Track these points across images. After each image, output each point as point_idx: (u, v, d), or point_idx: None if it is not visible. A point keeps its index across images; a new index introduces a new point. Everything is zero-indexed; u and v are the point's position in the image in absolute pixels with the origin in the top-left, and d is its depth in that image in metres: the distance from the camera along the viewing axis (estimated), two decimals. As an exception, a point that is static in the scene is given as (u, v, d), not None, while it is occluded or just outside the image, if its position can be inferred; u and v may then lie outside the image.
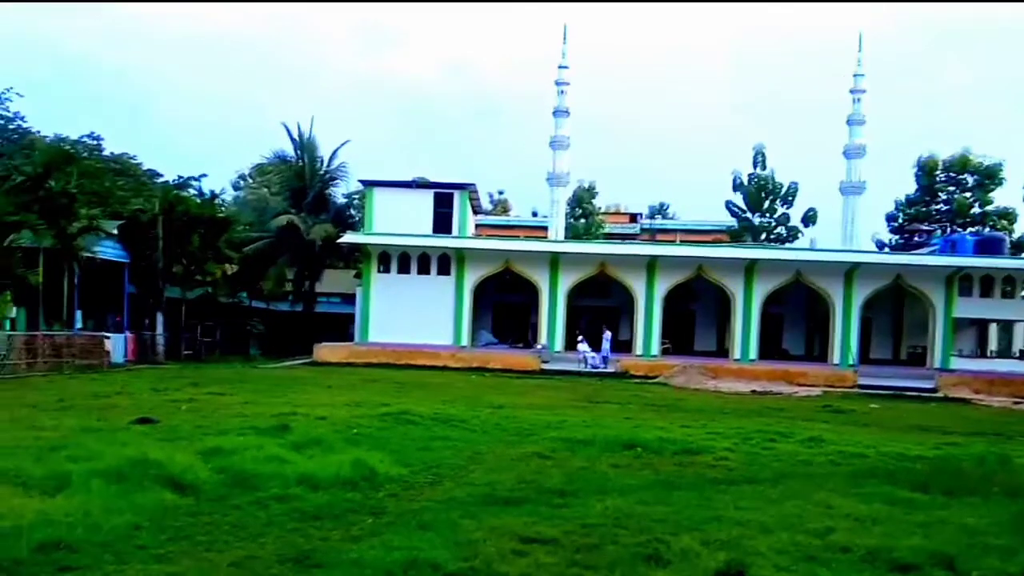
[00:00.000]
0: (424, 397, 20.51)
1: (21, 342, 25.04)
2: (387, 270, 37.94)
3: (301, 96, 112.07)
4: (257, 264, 44.13)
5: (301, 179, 47.33)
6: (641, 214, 68.66)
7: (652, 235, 59.78)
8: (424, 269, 37.86)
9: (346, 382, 24.80)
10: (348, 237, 38.63)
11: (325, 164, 47.81)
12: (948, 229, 51.09)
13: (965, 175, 53.07)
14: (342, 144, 47.84)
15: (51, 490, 8.44)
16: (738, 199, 54.43)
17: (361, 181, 41.67)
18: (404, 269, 37.85)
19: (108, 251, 33.59)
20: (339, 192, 49.61)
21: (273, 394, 19.93)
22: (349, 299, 44.38)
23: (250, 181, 61.16)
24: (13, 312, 28.34)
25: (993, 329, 40.68)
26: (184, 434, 12.53)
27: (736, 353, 37.15)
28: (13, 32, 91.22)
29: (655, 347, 37.49)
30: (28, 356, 24.99)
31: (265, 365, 33.94)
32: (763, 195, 53.54)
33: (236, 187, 65.17)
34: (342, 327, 46.07)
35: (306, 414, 15.52)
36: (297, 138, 47.66)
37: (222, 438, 11.80)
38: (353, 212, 50.65)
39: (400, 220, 38.18)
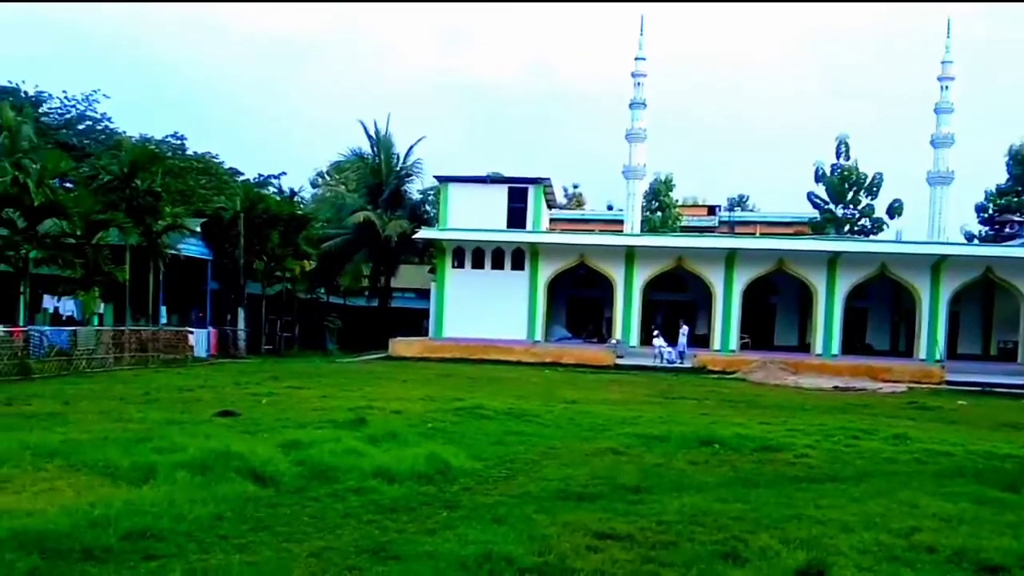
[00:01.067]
0: (497, 392, 20.51)
1: (108, 337, 25.93)
2: (461, 265, 38.21)
3: (378, 95, 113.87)
4: (334, 260, 44.90)
5: (377, 176, 47.99)
6: (720, 206, 67.68)
7: (731, 227, 58.82)
8: (498, 264, 38.02)
9: (420, 377, 24.94)
10: (423, 233, 39.06)
11: (401, 161, 48.39)
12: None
13: (1060, 164, 50.85)
14: (417, 141, 48.46)
15: (138, 481, 8.70)
16: (820, 190, 53.14)
17: (436, 177, 42.04)
18: (478, 264, 38.07)
19: (191, 248, 34.56)
20: (414, 188, 50.26)
21: (350, 388, 20.13)
22: (424, 294, 44.77)
23: (328, 179, 62.27)
24: (101, 308, 29.35)
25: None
26: (264, 427, 12.75)
27: (818, 348, 36.35)
28: (93, 32, 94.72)
29: (733, 342, 36.93)
30: (115, 350, 25.85)
31: (342, 360, 34.42)
32: (847, 186, 52.12)
33: (314, 185, 66.49)
34: (417, 322, 46.52)
35: (382, 408, 15.66)
36: (373, 135, 48.41)
37: (301, 431, 11.98)
38: (428, 208, 51.10)
39: (474, 215, 38.40)
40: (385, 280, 48.12)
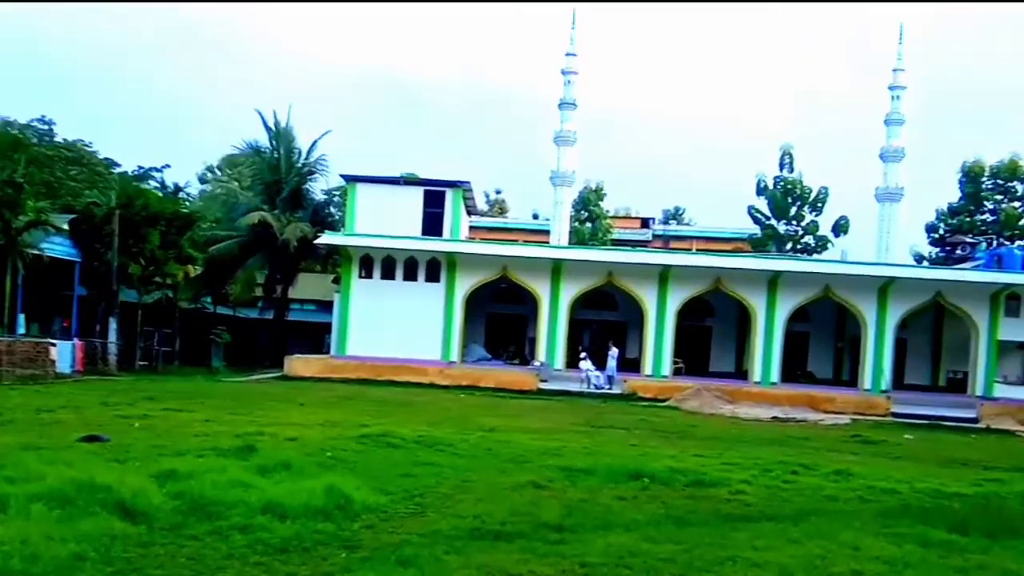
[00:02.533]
0: (407, 417, 20.46)
1: (-44, 348, 24.95)
2: (369, 275, 37.88)
3: (284, 88, 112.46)
4: (224, 266, 44.09)
5: (275, 172, 47.33)
6: (654, 219, 68.88)
7: (665, 242, 59.83)
8: (411, 275, 37.82)
9: (320, 399, 24.73)
10: (326, 238, 38.59)
11: (303, 156, 47.84)
12: (994, 242, 51.07)
13: (1015, 182, 53.17)
14: (322, 135, 47.94)
15: (-15, 515, 8.38)
16: (762, 204, 54.35)
17: (343, 176, 41.66)
18: (388, 275, 37.79)
19: (57, 248, 33.54)
20: (318, 188, 49.78)
21: (238, 411, 19.89)
22: (326, 307, 44.33)
23: (219, 174, 61.29)
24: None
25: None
26: (137, 454, 12.49)
27: (756, 375, 37.14)
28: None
29: (666, 367, 37.47)
30: (-38, 364, 24.89)
31: (230, 379, 33.84)
32: (790, 200, 53.46)
33: (203, 180, 65.37)
34: (317, 338, 46.00)
35: (274, 434, 15.50)
36: (272, 127, 47.71)
37: (179, 459, 11.77)
38: (333, 210, 50.72)
39: (385, 220, 38.13)
40: (282, 290, 47.46)
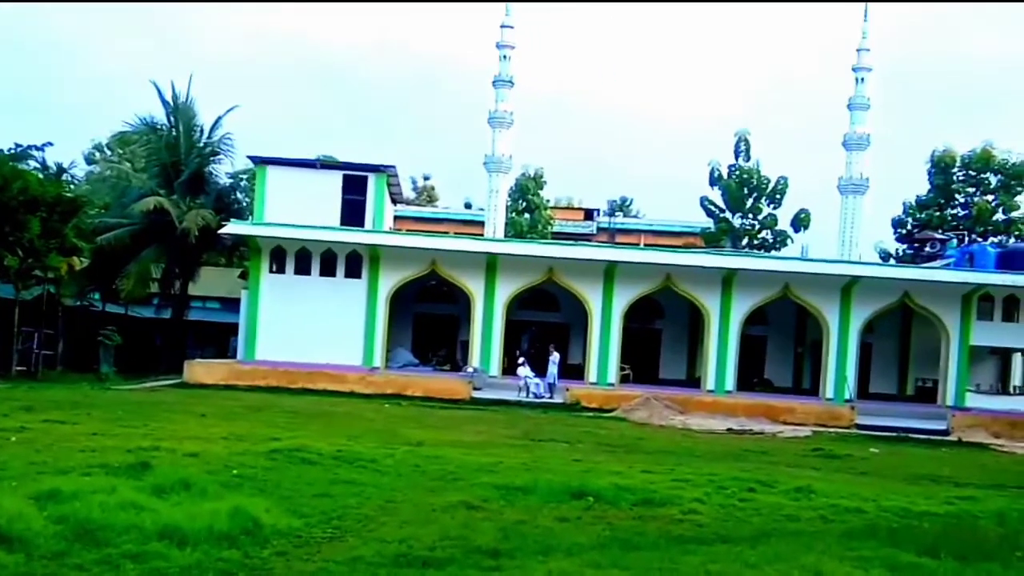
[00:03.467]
0: (324, 430, 20.38)
1: None
2: (281, 270, 37.51)
3: (181, 53, 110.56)
4: (114, 258, 43.27)
5: (174, 152, 46.57)
6: (598, 210, 69.45)
7: (611, 236, 60.39)
8: (328, 270, 37.53)
9: (225, 409, 24.46)
10: (232, 227, 38.09)
11: (205, 134, 47.16)
12: (966, 238, 52.26)
13: (987, 174, 54.44)
14: (228, 110, 47.19)
15: None
16: (716, 196, 55.09)
17: (251, 157, 41.18)
18: (303, 269, 37.46)
19: (-81, 236, 32.63)
20: (222, 171, 49.00)
21: (130, 423, 19.59)
22: (231, 305, 43.85)
23: (109, 153, 60.09)
24: None
25: (1017, 360, 41.66)
26: (13, 473, 12.26)
27: (709, 383, 37.62)
28: None
29: (612, 374, 37.75)
30: None
31: (121, 386, 33.25)
32: (746, 191, 54.21)
33: (90, 161, 63.98)
34: (222, 340, 45.49)
35: (172, 449, 15.30)
36: (170, 101, 46.89)
37: (62, 478, 11.55)
38: (240, 196, 50.08)
39: (299, 208, 37.76)
40: (181, 285, 46.87)
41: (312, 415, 24.42)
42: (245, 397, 29.61)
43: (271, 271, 37.55)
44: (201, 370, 35.28)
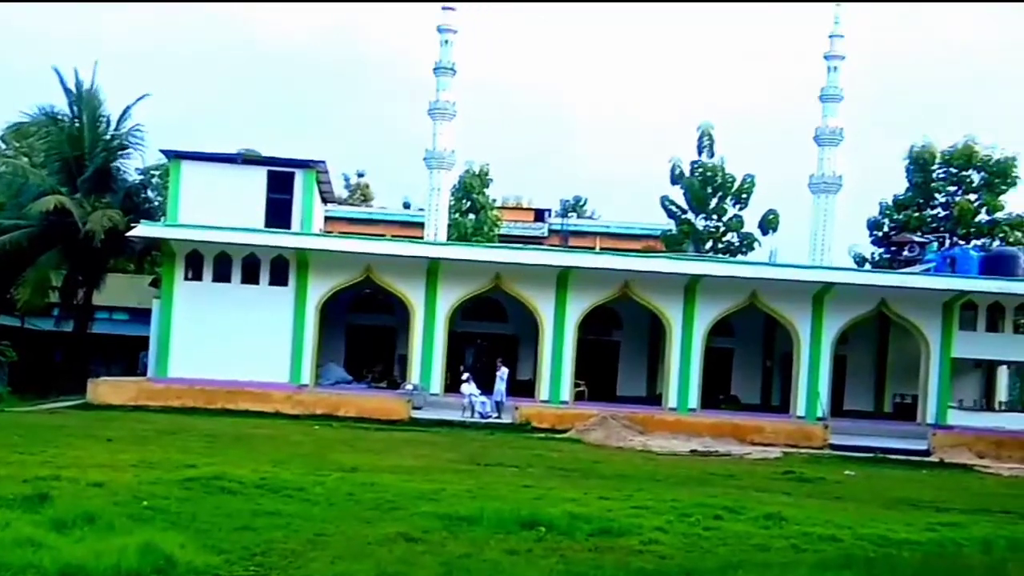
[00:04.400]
0: (246, 455, 20.29)
1: None
2: (198, 277, 37.18)
3: (85, 36, 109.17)
4: (9, 264, 42.71)
5: (77, 146, 46.06)
6: (550, 210, 69.55)
7: (564, 239, 60.57)
8: (251, 277, 37.26)
9: (134, 433, 24.27)
10: (142, 229, 37.66)
11: (112, 126, 46.81)
12: (947, 241, 52.81)
13: (970, 171, 54.91)
14: (139, 99, 46.88)
15: None
16: (677, 195, 55.18)
17: (163, 151, 40.81)
18: (222, 276, 37.16)
19: None
20: (131, 166, 48.72)
21: (26, 449, 19.36)
22: (142, 316, 43.34)
23: (3, 147, 59.12)
24: None
25: (1003, 373, 42.23)
26: None
27: (671, 400, 37.83)
28: None
29: (565, 390, 37.85)
30: None
31: (16, 408, 32.91)
32: (709, 190, 54.34)
33: (-19, 154, 62.80)
34: (131, 355, 44.95)
35: (74, 479, 15.12)
36: (73, 89, 46.36)
37: (-51, 512, 11.35)
38: (151, 195, 49.61)
39: (218, 208, 37.40)
40: (85, 294, 46.41)
41: (232, 438, 24.30)
42: (157, 419, 29.35)
43: (186, 278, 37.19)
44: (107, 389, 34.78)
